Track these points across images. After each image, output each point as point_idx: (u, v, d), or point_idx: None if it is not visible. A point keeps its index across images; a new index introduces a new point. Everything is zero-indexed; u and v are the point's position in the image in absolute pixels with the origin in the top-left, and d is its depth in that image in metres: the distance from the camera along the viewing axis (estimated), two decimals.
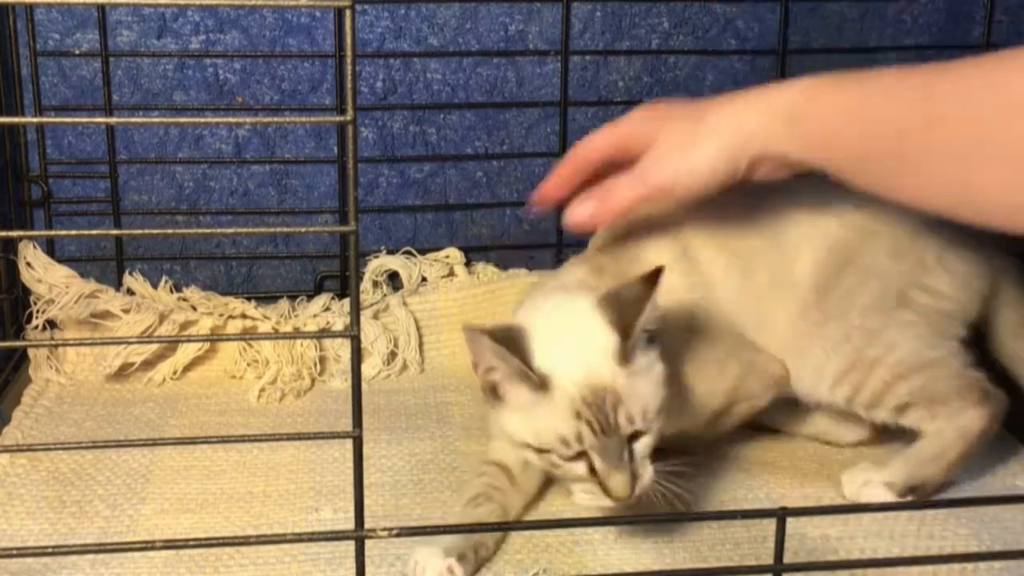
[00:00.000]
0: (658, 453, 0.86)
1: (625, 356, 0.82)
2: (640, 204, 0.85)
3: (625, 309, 0.82)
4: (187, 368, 1.24)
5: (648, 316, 0.82)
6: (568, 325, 0.84)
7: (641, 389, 0.82)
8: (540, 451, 0.84)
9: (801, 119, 0.77)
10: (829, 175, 0.79)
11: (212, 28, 1.27)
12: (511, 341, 0.82)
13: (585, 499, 0.85)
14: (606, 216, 0.87)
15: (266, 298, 1.31)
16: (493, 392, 0.85)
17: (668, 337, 0.88)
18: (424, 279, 1.31)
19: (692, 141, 0.81)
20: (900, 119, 0.71)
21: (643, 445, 0.83)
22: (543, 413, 0.82)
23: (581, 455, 0.82)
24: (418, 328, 1.27)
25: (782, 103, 0.79)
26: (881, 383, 0.96)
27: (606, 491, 0.82)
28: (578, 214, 0.88)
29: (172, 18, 1.27)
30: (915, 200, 0.74)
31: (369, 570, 0.70)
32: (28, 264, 1.24)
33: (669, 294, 0.88)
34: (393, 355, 1.26)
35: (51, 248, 1.29)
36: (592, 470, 0.82)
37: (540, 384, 0.81)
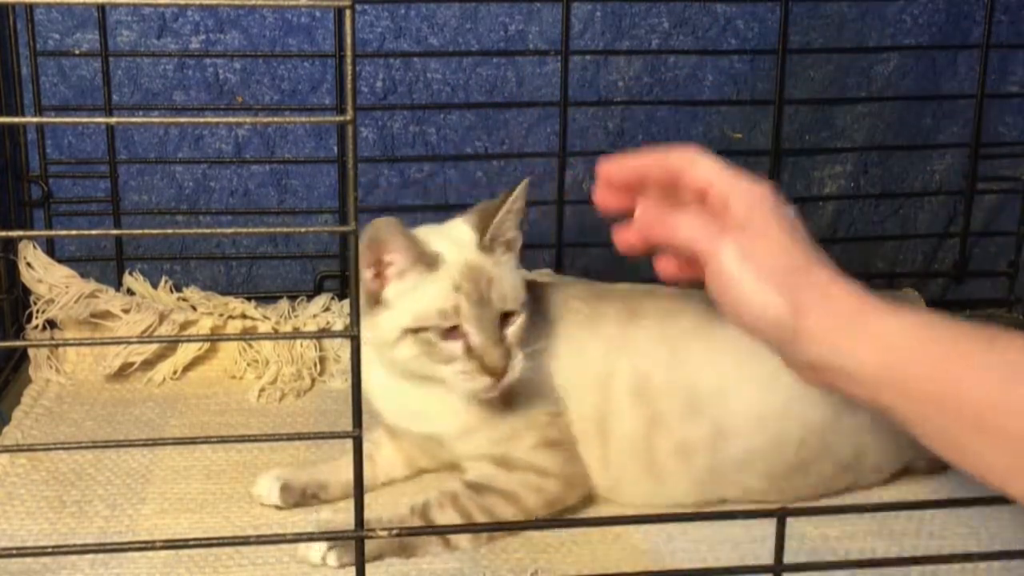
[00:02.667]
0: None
1: (486, 247, 0.91)
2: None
3: (485, 214, 0.92)
4: (187, 368, 1.24)
5: (502, 219, 0.91)
6: (442, 230, 0.95)
7: (507, 276, 0.91)
8: (418, 331, 0.88)
9: (896, 356, 0.63)
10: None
11: (212, 28, 1.27)
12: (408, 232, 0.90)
13: (460, 382, 0.88)
14: (702, 250, 0.70)
15: (266, 298, 1.31)
16: (375, 297, 0.90)
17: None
18: None
19: (781, 281, 0.66)
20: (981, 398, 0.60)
21: (516, 327, 0.89)
22: (426, 291, 0.88)
23: (456, 332, 0.87)
24: None
25: (878, 328, 0.64)
26: None
27: (482, 365, 0.87)
28: (687, 228, 0.71)
29: (172, 18, 1.27)
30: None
31: (369, 570, 0.70)
32: (28, 264, 1.24)
33: (590, 341, 0.96)
34: None
35: (51, 248, 1.28)
36: (468, 348, 0.87)
37: (431, 262, 0.88)
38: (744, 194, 0.68)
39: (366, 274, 0.89)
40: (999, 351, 0.60)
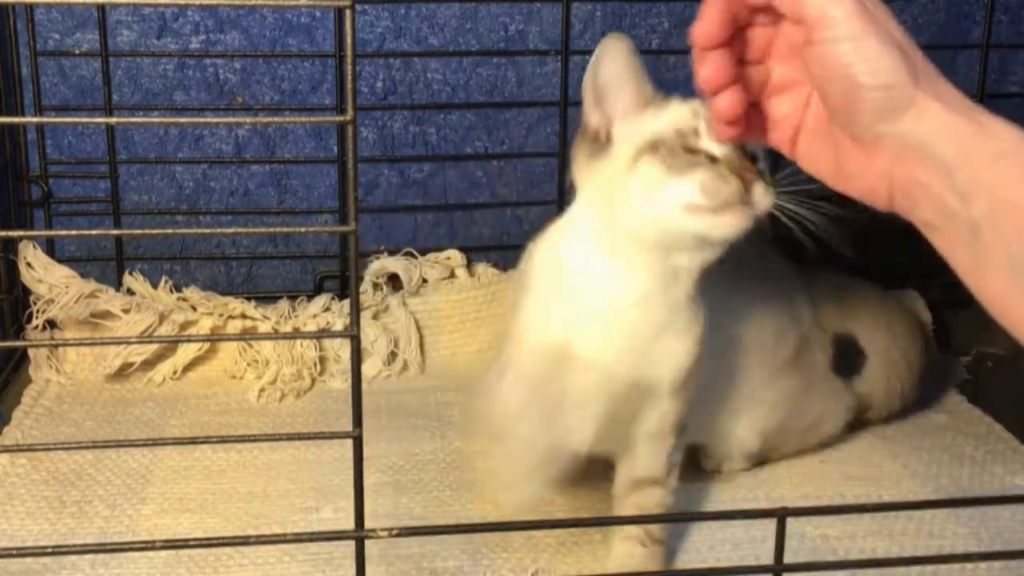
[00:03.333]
0: None
1: None
2: None
3: None
4: (187, 368, 1.24)
5: None
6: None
7: None
8: (656, 148, 0.77)
9: (1010, 162, 0.57)
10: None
11: (212, 28, 1.27)
12: None
13: (708, 194, 0.75)
14: None
15: (266, 298, 1.31)
16: (599, 134, 0.80)
17: None
18: (425, 281, 1.31)
19: (889, 43, 0.66)
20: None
21: (762, 165, 0.79)
22: (662, 116, 0.79)
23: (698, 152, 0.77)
24: (418, 329, 1.27)
25: (993, 128, 0.60)
26: None
27: (730, 168, 0.76)
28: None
29: (172, 18, 1.27)
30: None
31: (369, 570, 0.70)
32: (28, 264, 1.24)
33: None
34: (393, 355, 1.26)
35: (51, 248, 1.29)
36: (712, 158, 0.76)
37: (662, 103, 0.80)
38: None
39: (592, 115, 0.80)
40: None
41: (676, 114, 0.79)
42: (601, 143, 0.80)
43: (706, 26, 0.71)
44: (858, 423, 1.10)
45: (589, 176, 0.81)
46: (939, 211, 0.60)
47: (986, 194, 0.57)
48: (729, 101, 0.70)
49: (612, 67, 0.79)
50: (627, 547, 0.87)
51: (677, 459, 0.88)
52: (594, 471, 1.04)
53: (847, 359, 1.09)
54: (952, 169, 0.58)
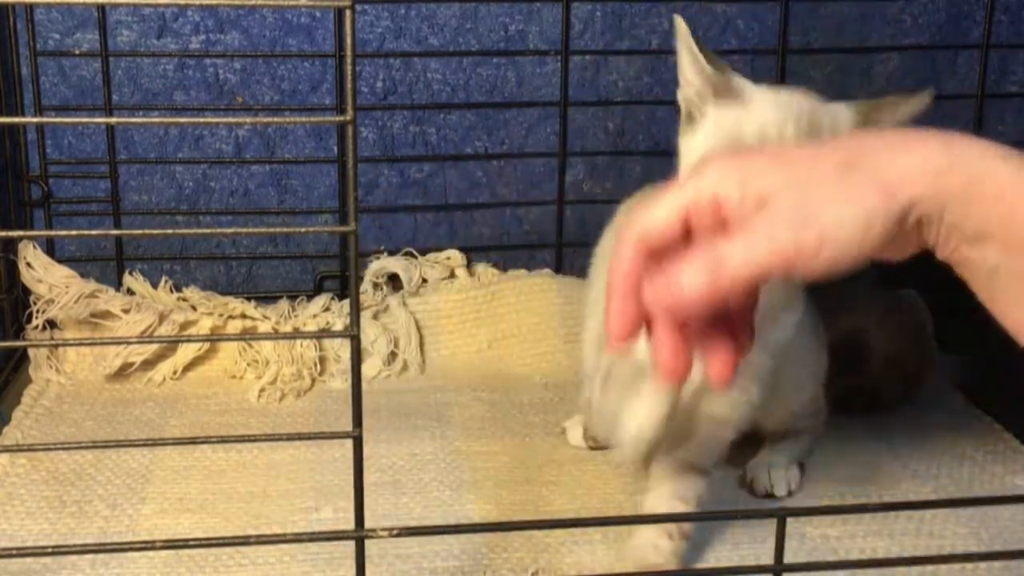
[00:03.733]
0: None
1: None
2: (763, 274, 0.54)
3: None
4: (187, 368, 1.24)
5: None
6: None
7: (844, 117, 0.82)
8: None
9: (1013, 198, 0.54)
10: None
11: (212, 28, 1.27)
12: None
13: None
14: (723, 290, 0.53)
15: (266, 298, 1.31)
16: (693, 110, 0.83)
17: None
18: (425, 281, 1.31)
19: (840, 186, 0.53)
20: None
21: None
22: (739, 114, 0.81)
23: None
24: (418, 329, 1.27)
25: (982, 168, 0.54)
26: None
27: None
28: (690, 289, 0.53)
29: (172, 18, 1.27)
30: None
31: (369, 570, 0.70)
32: (28, 264, 1.24)
33: None
34: (393, 355, 1.26)
35: (51, 248, 1.28)
36: None
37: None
38: (714, 184, 0.54)
39: (681, 89, 0.84)
40: None
41: (758, 115, 0.80)
42: (691, 116, 0.83)
43: (621, 329, 0.56)
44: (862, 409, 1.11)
45: (681, 151, 0.84)
46: (955, 262, 0.56)
47: (998, 236, 0.53)
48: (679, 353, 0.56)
49: (680, 46, 0.84)
50: (653, 536, 0.87)
51: (724, 451, 0.91)
52: (595, 471, 1.04)
53: (851, 356, 1.09)
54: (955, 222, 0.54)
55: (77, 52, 1.26)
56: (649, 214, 0.55)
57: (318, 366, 1.24)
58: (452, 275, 1.32)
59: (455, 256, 1.33)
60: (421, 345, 1.27)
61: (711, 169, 0.55)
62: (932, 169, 0.53)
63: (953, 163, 0.53)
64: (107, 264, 1.32)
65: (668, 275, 0.53)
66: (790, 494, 0.99)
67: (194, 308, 1.26)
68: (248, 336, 1.26)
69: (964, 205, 0.53)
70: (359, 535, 0.68)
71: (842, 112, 0.81)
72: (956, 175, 0.53)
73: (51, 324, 1.24)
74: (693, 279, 0.53)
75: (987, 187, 0.53)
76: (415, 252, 1.32)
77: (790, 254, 0.52)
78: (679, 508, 0.88)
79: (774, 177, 0.53)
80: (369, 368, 1.24)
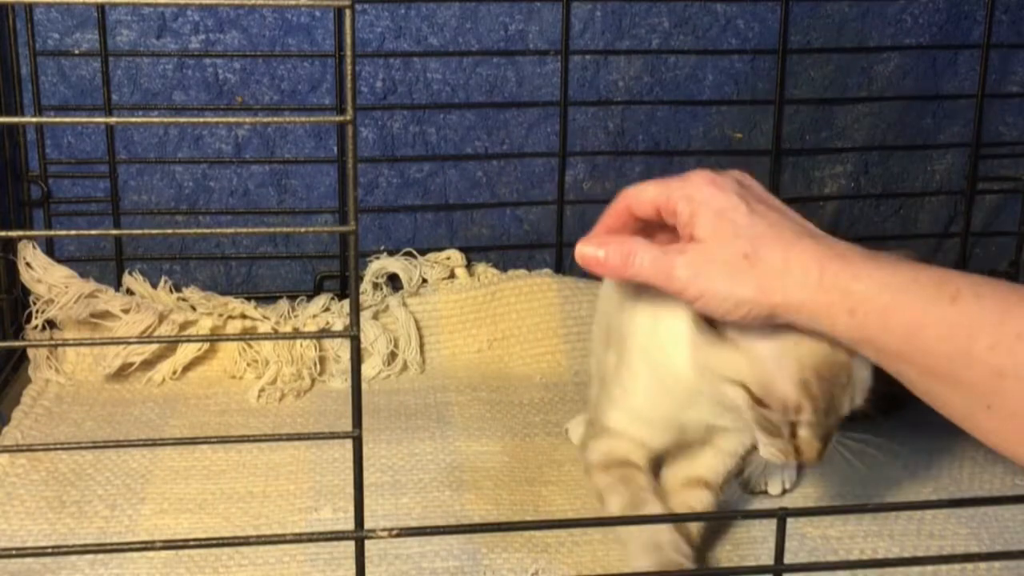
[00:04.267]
0: None
1: None
2: (652, 285, 0.76)
3: None
4: (187, 368, 1.23)
5: None
6: None
7: (863, 371, 0.78)
8: (757, 402, 0.78)
9: (864, 314, 0.69)
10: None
11: (212, 28, 1.27)
12: None
13: (770, 454, 0.80)
14: (617, 276, 0.78)
15: (266, 298, 1.31)
16: (711, 323, 0.78)
17: None
18: (424, 281, 1.31)
19: (735, 271, 0.71)
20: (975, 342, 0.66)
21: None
22: (770, 366, 0.77)
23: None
24: (418, 329, 1.27)
25: (843, 287, 0.69)
26: None
27: (798, 454, 0.79)
28: (590, 255, 0.77)
29: (172, 18, 1.26)
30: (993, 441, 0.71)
31: (369, 570, 0.70)
32: (28, 264, 1.24)
33: None
34: (393, 355, 1.26)
35: (51, 248, 1.28)
36: (793, 435, 0.79)
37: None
38: (682, 199, 0.74)
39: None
40: (959, 307, 0.66)
41: (786, 374, 0.77)
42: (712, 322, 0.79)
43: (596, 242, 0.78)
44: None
45: (700, 343, 0.80)
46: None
47: (863, 346, 0.71)
48: None
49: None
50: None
51: (732, 466, 0.91)
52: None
53: None
54: (831, 335, 0.72)
55: (77, 52, 1.26)
56: (637, 192, 0.77)
57: (318, 366, 1.24)
58: (452, 275, 1.32)
59: (455, 256, 1.33)
60: (421, 345, 1.27)
61: (689, 184, 0.75)
62: (799, 285, 0.70)
63: (822, 284, 0.69)
64: (107, 264, 1.32)
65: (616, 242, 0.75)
66: (784, 492, 0.99)
67: (194, 308, 1.26)
68: (248, 336, 1.26)
69: (823, 318, 0.70)
70: (359, 535, 0.68)
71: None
72: (821, 294, 0.69)
73: (51, 324, 1.24)
74: (610, 257, 0.75)
75: (859, 314, 0.69)
76: (415, 252, 1.32)
77: (677, 287, 0.72)
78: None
79: (709, 227, 0.72)
80: (369, 368, 1.24)
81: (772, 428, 0.79)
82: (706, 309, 0.73)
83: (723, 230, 0.72)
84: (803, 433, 0.78)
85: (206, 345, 1.23)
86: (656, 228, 0.79)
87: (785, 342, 0.75)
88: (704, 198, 0.73)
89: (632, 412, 0.88)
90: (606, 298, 0.97)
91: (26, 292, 1.25)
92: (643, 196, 0.77)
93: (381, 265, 1.31)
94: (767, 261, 0.71)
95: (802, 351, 0.76)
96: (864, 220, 1.42)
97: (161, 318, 1.22)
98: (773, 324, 0.73)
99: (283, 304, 1.28)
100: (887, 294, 0.68)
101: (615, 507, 0.86)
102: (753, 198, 0.74)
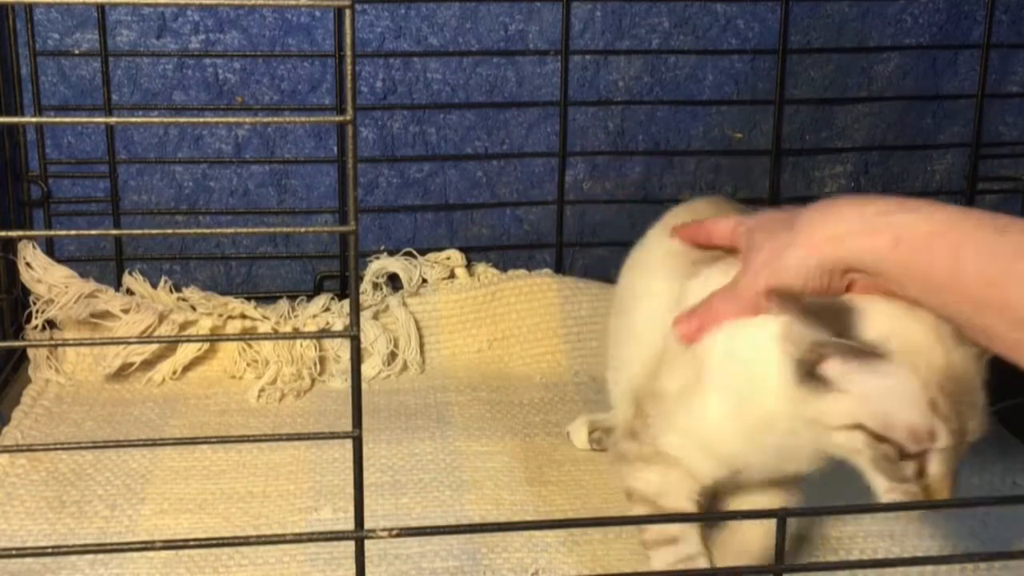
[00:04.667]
0: None
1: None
2: (741, 317, 0.78)
3: None
4: (187, 368, 1.23)
5: None
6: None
7: (982, 388, 0.72)
8: (880, 439, 0.71)
9: (909, 241, 0.69)
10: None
11: (212, 28, 1.27)
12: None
13: (886, 491, 0.73)
14: (711, 329, 0.79)
15: (266, 298, 1.31)
16: (809, 368, 0.72)
17: None
18: (424, 281, 1.31)
19: (781, 250, 0.75)
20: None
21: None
22: (893, 391, 0.70)
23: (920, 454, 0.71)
24: (418, 329, 1.27)
25: (886, 224, 0.70)
26: None
27: (925, 493, 0.72)
28: (684, 329, 0.80)
29: (172, 18, 1.26)
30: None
31: (369, 570, 0.70)
32: (28, 264, 1.24)
33: None
34: (393, 355, 1.26)
35: (51, 248, 1.28)
36: (920, 472, 0.72)
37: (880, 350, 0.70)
38: (741, 237, 0.81)
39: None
40: (1007, 236, 0.66)
41: (910, 396, 0.70)
42: (810, 372, 0.73)
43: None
44: None
45: (797, 396, 0.74)
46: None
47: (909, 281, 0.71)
48: None
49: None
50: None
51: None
52: (595, 471, 1.04)
53: None
54: (878, 271, 0.73)
55: (77, 52, 1.26)
56: (714, 226, 0.86)
57: (318, 366, 1.24)
58: (452, 275, 1.32)
59: (455, 256, 1.33)
60: (421, 345, 1.27)
61: (746, 225, 0.81)
62: (843, 234, 0.72)
63: (871, 226, 0.71)
64: (107, 264, 1.32)
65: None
66: None
67: (194, 308, 1.26)
68: (248, 336, 1.26)
69: (879, 261, 0.71)
70: (359, 535, 0.68)
71: None
72: (873, 238, 0.71)
73: (50, 324, 1.24)
74: (690, 326, 0.80)
75: (904, 241, 0.70)
76: (415, 252, 1.32)
77: (748, 308, 0.76)
78: None
79: (754, 238, 0.79)
80: (369, 368, 1.24)
81: (895, 470, 0.71)
82: (782, 284, 0.74)
83: (764, 228, 0.79)
84: (934, 468, 0.71)
85: (206, 345, 1.23)
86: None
87: (899, 366, 0.69)
88: (758, 223, 0.80)
89: (697, 441, 0.80)
90: (657, 294, 0.89)
91: (26, 292, 1.25)
92: (714, 233, 0.86)
93: (381, 265, 1.31)
94: (806, 220, 0.75)
95: (920, 366, 0.69)
96: None
97: (161, 318, 1.22)
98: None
99: (283, 304, 1.28)
100: (930, 224, 0.69)
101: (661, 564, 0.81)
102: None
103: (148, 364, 1.23)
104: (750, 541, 0.84)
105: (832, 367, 0.71)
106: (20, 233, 1.31)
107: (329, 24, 1.28)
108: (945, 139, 1.40)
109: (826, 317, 0.70)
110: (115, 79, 1.27)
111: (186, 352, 1.22)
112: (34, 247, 1.25)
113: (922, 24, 1.34)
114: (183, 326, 1.22)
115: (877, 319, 0.71)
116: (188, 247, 1.34)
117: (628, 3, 1.30)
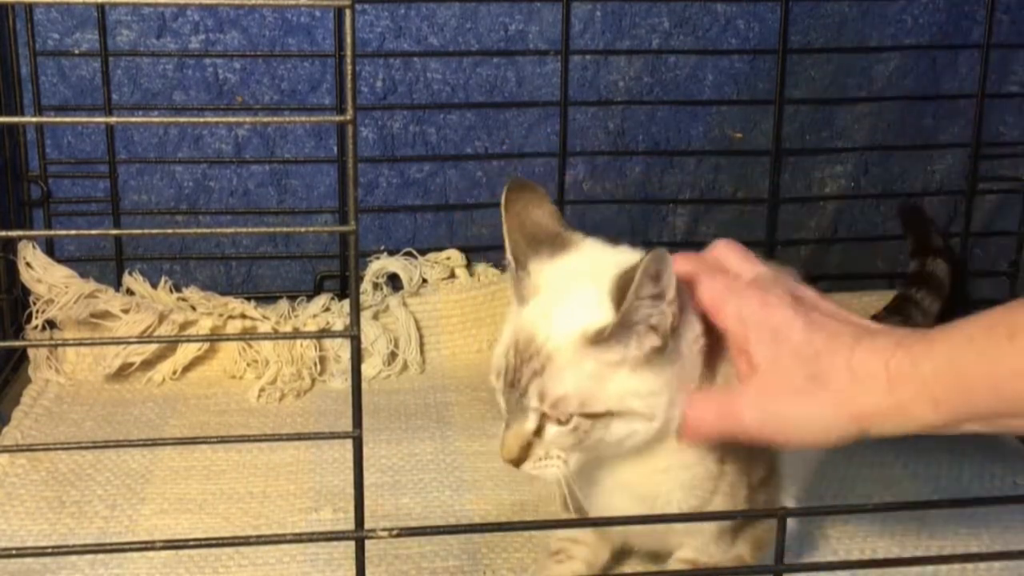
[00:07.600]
0: None
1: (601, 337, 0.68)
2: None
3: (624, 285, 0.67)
4: (187, 368, 1.23)
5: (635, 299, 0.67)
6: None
7: (589, 383, 0.69)
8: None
9: (944, 393, 0.65)
10: None
11: (212, 28, 1.27)
12: None
13: None
14: (728, 429, 0.72)
15: (266, 298, 1.31)
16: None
17: None
18: (425, 281, 1.31)
19: (805, 396, 0.68)
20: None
21: (557, 433, 0.70)
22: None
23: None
24: (418, 329, 1.27)
25: (912, 374, 0.66)
26: None
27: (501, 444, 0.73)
28: (699, 421, 0.72)
29: (172, 18, 1.26)
30: None
31: (369, 570, 0.70)
32: (28, 264, 1.24)
33: None
34: (393, 355, 1.26)
35: (51, 248, 1.28)
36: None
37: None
38: (733, 318, 0.70)
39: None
40: (1017, 342, 0.62)
41: (503, 342, 0.76)
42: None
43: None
44: None
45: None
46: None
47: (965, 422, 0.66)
48: None
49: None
50: None
51: None
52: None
53: None
54: (928, 427, 0.67)
55: (76, 52, 1.26)
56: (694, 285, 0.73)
57: (318, 366, 1.24)
58: (452, 275, 1.32)
59: (455, 256, 1.33)
60: (421, 345, 1.27)
61: (742, 300, 0.70)
62: (871, 391, 0.66)
63: (891, 381, 0.65)
64: (107, 264, 1.32)
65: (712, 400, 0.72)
66: None
67: (194, 308, 1.26)
68: (248, 336, 1.26)
69: (908, 419, 0.66)
70: (359, 535, 0.68)
71: None
72: (898, 392, 0.65)
73: (50, 324, 1.24)
74: (706, 419, 0.71)
75: (943, 403, 0.65)
76: (415, 252, 1.32)
77: (752, 432, 0.70)
78: None
79: (767, 352, 0.69)
80: (369, 368, 1.24)
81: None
82: (789, 444, 0.71)
83: (782, 354, 0.68)
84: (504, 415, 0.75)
85: (206, 345, 1.23)
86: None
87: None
88: (757, 319, 0.69)
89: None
90: None
91: (26, 292, 1.25)
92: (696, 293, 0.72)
93: (381, 265, 1.31)
94: (834, 376, 0.67)
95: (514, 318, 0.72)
96: (864, 220, 1.42)
97: (161, 318, 1.22)
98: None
99: (283, 304, 1.28)
100: (956, 364, 0.65)
101: None
102: (806, 306, 0.70)
103: (148, 364, 1.23)
104: None
105: None
106: (20, 233, 1.31)
107: (329, 24, 1.28)
108: (945, 139, 1.40)
109: None
110: (115, 79, 1.27)
111: (186, 352, 1.22)
112: (34, 247, 1.25)
113: (922, 24, 1.34)
114: (183, 326, 1.22)
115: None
116: (188, 247, 1.34)
117: (628, 3, 1.30)
